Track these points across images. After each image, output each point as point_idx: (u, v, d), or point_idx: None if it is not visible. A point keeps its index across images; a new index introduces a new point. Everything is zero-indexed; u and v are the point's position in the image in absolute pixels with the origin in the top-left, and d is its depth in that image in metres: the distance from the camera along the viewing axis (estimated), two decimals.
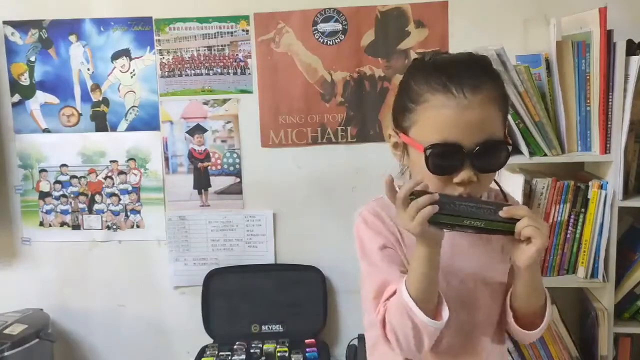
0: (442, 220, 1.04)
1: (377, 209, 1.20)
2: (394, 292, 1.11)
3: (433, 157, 1.07)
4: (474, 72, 1.09)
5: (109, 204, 2.38)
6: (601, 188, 1.83)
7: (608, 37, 1.78)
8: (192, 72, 2.30)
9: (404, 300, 1.08)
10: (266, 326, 2.31)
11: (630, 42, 1.80)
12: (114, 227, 2.39)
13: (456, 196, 1.08)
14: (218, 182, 2.34)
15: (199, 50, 2.28)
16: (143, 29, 2.29)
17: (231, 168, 2.33)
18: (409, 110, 1.11)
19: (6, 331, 2.13)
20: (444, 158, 1.08)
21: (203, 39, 2.27)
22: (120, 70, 2.31)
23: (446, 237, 1.10)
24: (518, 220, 1.06)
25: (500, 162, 1.11)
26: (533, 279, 1.15)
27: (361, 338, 2.12)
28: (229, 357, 2.17)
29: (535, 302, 1.19)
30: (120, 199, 2.37)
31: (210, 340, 2.30)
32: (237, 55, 2.27)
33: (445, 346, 1.18)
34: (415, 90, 1.10)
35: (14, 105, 2.35)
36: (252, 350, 2.20)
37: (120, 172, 2.37)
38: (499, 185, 1.23)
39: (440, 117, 1.07)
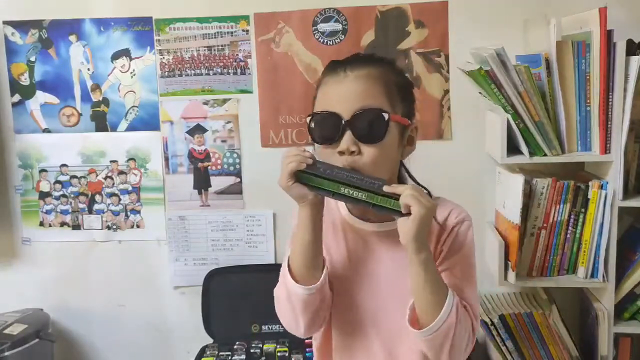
0: (318, 184, 1.09)
1: None
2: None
3: (313, 125, 1.16)
4: (362, 58, 1.21)
5: (109, 204, 2.38)
6: (601, 188, 1.83)
7: (608, 37, 1.78)
8: (192, 72, 2.29)
9: (283, 267, 1.17)
10: (266, 326, 2.31)
11: (630, 42, 1.80)
12: (114, 227, 2.39)
13: (339, 167, 1.11)
14: (218, 182, 2.34)
15: (199, 50, 2.28)
16: (143, 29, 2.29)
17: (231, 168, 2.33)
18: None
19: (6, 331, 2.13)
20: (323, 126, 1.15)
21: (203, 39, 2.27)
22: (120, 70, 2.31)
23: (364, 239, 1.17)
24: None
25: (379, 132, 1.12)
26: (420, 263, 1.07)
27: None
28: (229, 357, 2.17)
29: (426, 297, 1.09)
30: (120, 199, 2.37)
31: (210, 340, 2.30)
32: (237, 55, 2.27)
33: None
34: (320, 77, 1.21)
35: (14, 105, 2.35)
36: (252, 350, 2.20)
37: (120, 172, 2.37)
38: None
39: (324, 92, 1.18)
